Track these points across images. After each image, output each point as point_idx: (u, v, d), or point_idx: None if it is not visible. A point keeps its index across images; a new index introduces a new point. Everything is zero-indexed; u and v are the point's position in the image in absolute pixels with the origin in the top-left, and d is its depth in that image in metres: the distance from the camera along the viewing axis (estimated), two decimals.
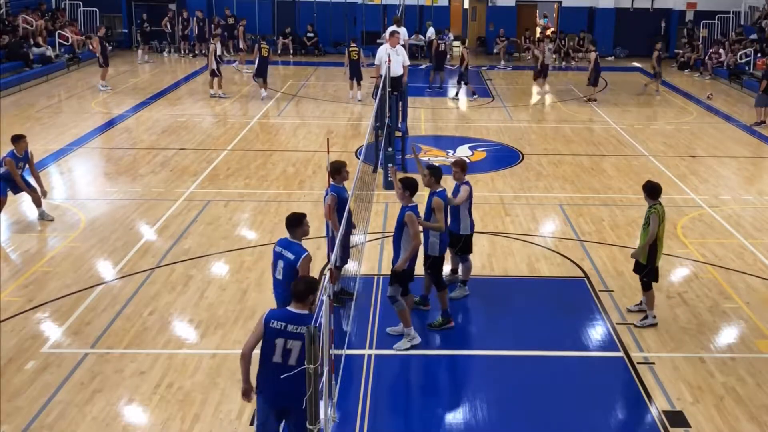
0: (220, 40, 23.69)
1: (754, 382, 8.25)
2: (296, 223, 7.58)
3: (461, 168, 9.85)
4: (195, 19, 30.04)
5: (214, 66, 22.19)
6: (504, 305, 10.19)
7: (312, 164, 15.92)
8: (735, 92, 25.25)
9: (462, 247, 9.96)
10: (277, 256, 7.62)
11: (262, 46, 22.37)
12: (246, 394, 6.32)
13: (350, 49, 22.59)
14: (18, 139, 12.28)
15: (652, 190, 9.22)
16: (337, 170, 9.32)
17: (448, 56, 28.35)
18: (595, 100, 23.31)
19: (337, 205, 8.92)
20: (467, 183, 9.80)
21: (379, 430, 7.43)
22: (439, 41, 25.11)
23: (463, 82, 23.34)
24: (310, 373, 5.73)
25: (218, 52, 23.24)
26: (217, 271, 10.92)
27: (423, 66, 28.05)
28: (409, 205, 8.58)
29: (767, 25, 27.93)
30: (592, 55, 23.53)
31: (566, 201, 14.05)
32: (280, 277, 7.60)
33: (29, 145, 12.59)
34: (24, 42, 25.35)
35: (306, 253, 7.42)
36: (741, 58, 26.41)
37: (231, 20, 30.43)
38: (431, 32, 29.10)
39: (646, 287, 9.39)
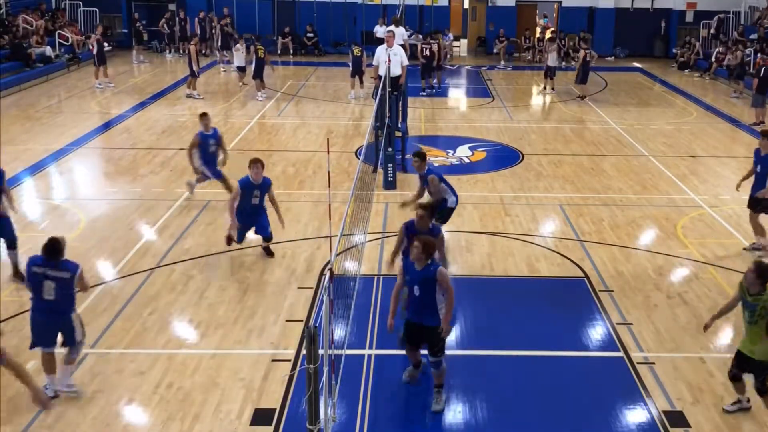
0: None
1: (754, 382, 8.23)
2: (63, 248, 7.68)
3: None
4: (197, 19, 30.01)
5: (194, 67, 22.15)
6: (504, 305, 10.20)
7: (312, 164, 15.91)
8: (740, 98, 25.19)
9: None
10: (40, 277, 7.51)
11: (257, 47, 22.38)
12: None
13: (353, 47, 22.88)
14: None
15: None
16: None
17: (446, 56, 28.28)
18: (583, 98, 23.42)
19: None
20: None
21: (379, 430, 7.43)
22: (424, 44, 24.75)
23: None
24: (310, 373, 5.74)
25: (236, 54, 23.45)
26: (217, 271, 10.91)
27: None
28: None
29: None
30: (581, 54, 23.70)
31: (566, 201, 14.05)
32: (51, 297, 7.51)
33: (30, 143, 12.57)
34: (24, 42, 25.33)
35: (80, 265, 7.74)
36: (747, 65, 26.35)
37: (226, 20, 30.38)
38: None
39: (764, 391, 7.47)
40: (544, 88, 24.83)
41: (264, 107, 21.61)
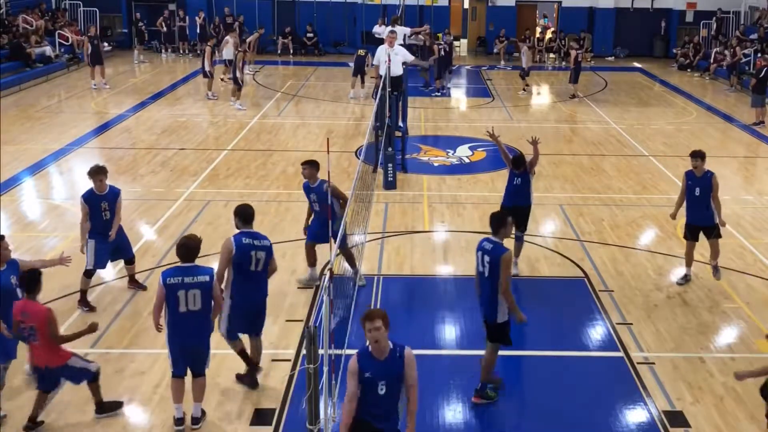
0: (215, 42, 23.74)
1: (754, 382, 8.24)
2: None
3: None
4: (196, 19, 30.02)
5: (208, 68, 22.14)
6: None
7: None
8: (735, 92, 25.25)
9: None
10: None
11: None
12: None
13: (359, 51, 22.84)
14: None
15: None
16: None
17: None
18: (574, 97, 23.58)
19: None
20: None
21: None
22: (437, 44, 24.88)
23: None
24: (310, 373, 5.74)
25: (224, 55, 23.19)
26: None
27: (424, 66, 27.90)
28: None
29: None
30: (572, 53, 23.90)
31: (566, 201, 14.04)
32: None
33: (30, 143, 12.56)
34: (24, 42, 25.32)
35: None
36: (741, 58, 26.41)
37: (230, 19, 30.39)
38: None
39: None
40: (524, 88, 24.69)
41: (264, 107, 21.59)
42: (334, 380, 6.67)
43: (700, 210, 10.31)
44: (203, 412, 7.49)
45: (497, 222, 7.71)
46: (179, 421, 7.34)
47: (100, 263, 9.73)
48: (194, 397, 7.42)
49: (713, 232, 10.33)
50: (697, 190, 10.29)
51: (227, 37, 24.34)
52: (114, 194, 9.75)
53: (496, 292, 7.53)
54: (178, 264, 7.20)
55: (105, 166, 9.93)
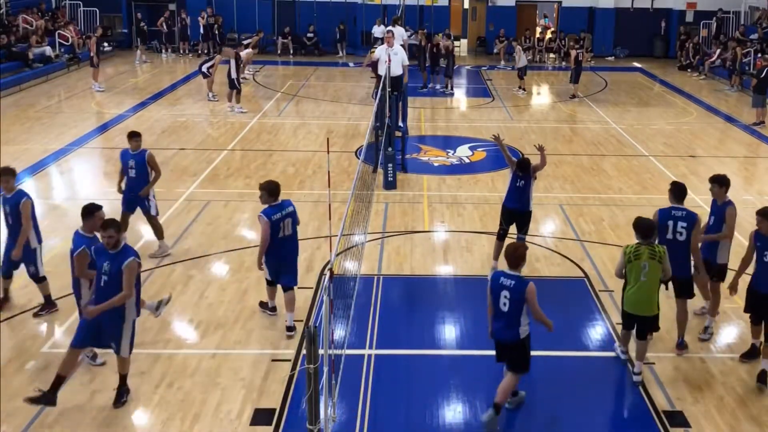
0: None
1: (754, 382, 8.24)
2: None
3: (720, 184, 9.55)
4: (199, 19, 29.99)
5: (204, 69, 22.14)
6: None
7: (312, 164, 15.92)
8: (735, 92, 25.26)
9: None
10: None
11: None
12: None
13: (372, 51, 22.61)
14: None
15: (636, 227, 8.77)
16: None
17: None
18: (575, 97, 23.66)
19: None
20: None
21: (379, 430, 7.43)
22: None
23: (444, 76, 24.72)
24: (310, 373, 5.74)
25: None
26: (217, 271, 10.92)
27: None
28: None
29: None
30: (572, 53, 24.00)
31: (566, 201, 14.04)
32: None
33: (30, 143, 12.53)
34: (24, 42, 25.32)
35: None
36: (741, 59, 26.40)
37: (212, 20, 30.32)
38: (381, 31, 27.74)
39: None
40: (520, 86, 24.71)
41: (264, 107, 21.58)
42: (334, 380, 6.67)
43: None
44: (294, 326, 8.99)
45: (680, 190, 9.27)
46: (290, 329, 8.94)
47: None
48: (287, 309, 8.97)
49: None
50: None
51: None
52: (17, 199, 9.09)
53: (688, 252, 8.80)
54: (273, 204, 8.82)
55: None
